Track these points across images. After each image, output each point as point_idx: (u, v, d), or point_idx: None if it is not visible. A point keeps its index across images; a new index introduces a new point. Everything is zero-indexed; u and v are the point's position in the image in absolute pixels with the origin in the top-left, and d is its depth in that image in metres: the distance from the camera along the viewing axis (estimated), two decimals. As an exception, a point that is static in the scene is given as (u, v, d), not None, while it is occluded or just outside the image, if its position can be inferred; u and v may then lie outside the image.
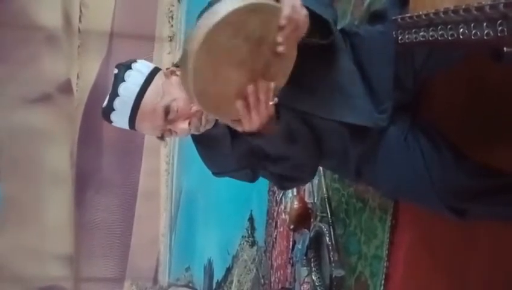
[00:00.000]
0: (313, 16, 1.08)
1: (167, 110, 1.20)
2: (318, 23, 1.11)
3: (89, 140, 3.00)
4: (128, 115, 1.22)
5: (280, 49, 1.02)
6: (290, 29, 1.02)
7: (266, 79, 1.07)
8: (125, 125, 1.25)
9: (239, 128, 1.12)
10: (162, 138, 1.26)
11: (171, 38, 3.03)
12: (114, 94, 1.22)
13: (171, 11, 3.05)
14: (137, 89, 1.21)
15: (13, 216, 2.95)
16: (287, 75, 1.11)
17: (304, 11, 1.05)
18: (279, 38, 1.01)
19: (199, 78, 1.02)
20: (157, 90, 1.21)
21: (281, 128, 1.17)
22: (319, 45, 1.19)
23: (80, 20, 2.87)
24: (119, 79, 1.23)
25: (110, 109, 1.23)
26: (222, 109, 1.09)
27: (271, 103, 1.08)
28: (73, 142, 2.97)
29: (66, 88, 2.90)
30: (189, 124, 1.21)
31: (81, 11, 2.87)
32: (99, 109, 1.29)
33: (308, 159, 1.34)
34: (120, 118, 1.24)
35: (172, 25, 3.06)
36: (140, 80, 1.22)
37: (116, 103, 1.22)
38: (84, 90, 2.90)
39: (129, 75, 1.23)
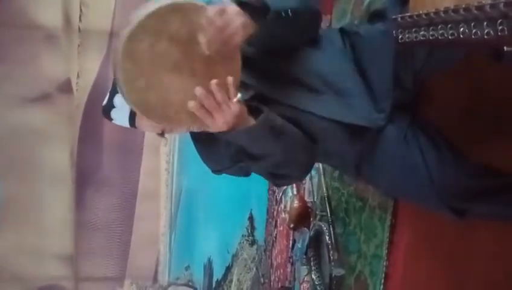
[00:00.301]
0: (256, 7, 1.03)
1: None
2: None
3: (89, 139, 3.00)
4: (128, 111, 1.22)
5: (207, 50, 0.99)
6: (213, 30, 0.98)
7: (212, 75, 1.03)
8: (125, 122, 1.25)
9: (209, 130, 1.09)
10: (162, 134, 1.26)
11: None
12: (114, 91, 1.23)
13: (170, 10, 3.05)
14: None
15: (12, 215, 2.95)
16: (236, 75, 1.07)
17: (240, 18, 1.00)
18: (199, 38, 0.99)
19: (132, 89, 1.00)
20: None
21: (260, 124, 1.13)
22: (312, 43, 1.18)
23: (80, 20, 2.87)
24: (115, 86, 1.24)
25: (110, 106, 1.24)
26: (172, 116, 1.06)
27: (234, 100, 1.05)
28: (73, 142, 2.97)
29: (65, 87, 2.90)
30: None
31: (81, 10, 2.87)
32: (99, 108, 1.30)
33: (295, 157, 1.28)
34: (120, 115, 1.24)
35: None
36: None
37: (116, 100, 1.22)
38: (84, 89, 2.90)
39: None
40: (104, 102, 1.25)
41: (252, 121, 1.12)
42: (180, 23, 0.99)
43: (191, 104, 1.02)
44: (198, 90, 1.02)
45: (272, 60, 1.20)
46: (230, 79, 1.03)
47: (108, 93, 1.25)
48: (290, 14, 1.09)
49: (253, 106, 1.14)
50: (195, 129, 1.16)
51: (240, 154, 1.28)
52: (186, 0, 1.00)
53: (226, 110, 1.05)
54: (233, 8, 1.01)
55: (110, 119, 1.26)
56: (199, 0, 1.02)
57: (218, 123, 1.06)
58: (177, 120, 1.08)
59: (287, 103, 1.23)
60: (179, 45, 1.00)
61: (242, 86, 1.13)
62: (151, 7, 0.98)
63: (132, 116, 1.22)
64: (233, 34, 1.01)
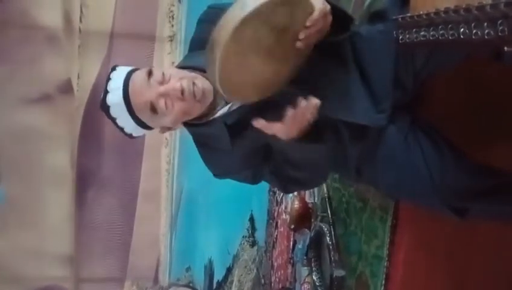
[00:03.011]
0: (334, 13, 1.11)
1: (149, 72, 1.22)
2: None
3: (89, 140, 3.00)
4: (122, 87, 1.23)
5: (299, 44, 1.06)
6: (314, 30, 1.06)
7: (284, 68, 1.12)
8: (120, 101, 1.24)
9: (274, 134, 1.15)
10: (153, 109, 1.25)
11: (171, 39, 3.03)
12: (107, 79, 1.27)
13: (171, 11, 3.05)
14: (128, 69, 1.26)
15: (13, 216, 2.95)
16: (297, 70, 1.16)
17: (330, 17, 1.09)
18: (301, 35, 1.06)
19: (225, 67, 1.05)
20: (142, 72, 1.24)
21: (322, 144, 1.23)
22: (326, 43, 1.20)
23: (80, 20, 2.87)
24: (110, 71, 1.28)
25: (105, 93, 1.25)
26: (242, 94, 1.14)
27: (312, 118, 1.13)
28: (73, 142, 2.97)
29: (66, 88, 2.90)
30: (181, 84, 1.21)
31: (81, 11, 2.87)
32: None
33: (326, 165, 1.35)
34: (115, 96, 1.24)
35: (172, 25, 3.05)
36: (130, 67, 1.28)
37: (110, 84, 1.25)
38: (85, 90, 2.90)
39: (119, 67, 1.28)
40: (101, 96, 1.28)
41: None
42: (284, 16, 1.04)
43: (290, 112, 1.10)
44: (303, 103, 1.10)
45: None
46: (318, 102, 1.11)
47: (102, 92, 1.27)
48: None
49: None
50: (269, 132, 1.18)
51: (255, 158, 1.31)
52: None
53: (304, 125, 1.14)
54: (328, 8, 1.08)
55: (107, 107, 1.26)
56: None
57: (292, 133, 1.15)
58: (243, 98, 1.16)
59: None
60: (274, 34, 1.06)
61: None
62: None
63: (126, 94, 1.23)
64: (324, 33, 1.09)
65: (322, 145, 1.23)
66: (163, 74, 1.21)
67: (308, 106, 1.10)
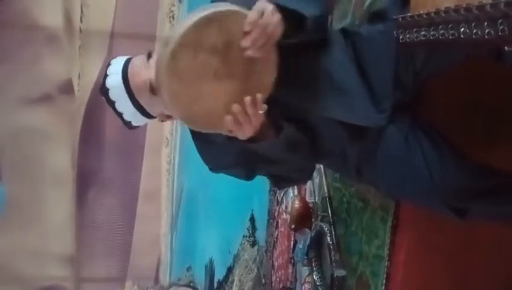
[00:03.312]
0: (293, 13, 1.07)
1: (149, 54, 1.21)
2: (301, 20, 1.11)
3: (90, 140, 3.00)
4: (121, 69, 1.22)
5: (248, 53, 1.02)
6: (257, 33, 1.02)
7: (252, 81, 1.08)
8: (119, 83, 1.23)
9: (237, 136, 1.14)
10: (152, 91, 1.24)
11: (172, 38, 3.03)
12: (106, 65, 1.26)
13: (172, 11, 3.05)
14: (123, 60, 1.25)
15: (14, 216, 2.95)
16: (273, 75, 1.11)
17: (277, 15, 1.04)
18: (244, 43, 1.02)
19: (178, 105, 1.04)
20: (142, 56, 1.23)
21: (281, 139, 1.20)
22: (313, 42, 1.19)
23: (81, 20, 2.87)
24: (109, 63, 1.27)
25: (104, 77, 1.25)
26: (216, 123, 1.10)
27: (260, 112, 1.10)
28: (74, 142, 2.97)
29: (67, 88, 2.90)
30: None
31: (82, 11, 2.87)
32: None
33: (305, 163, 1.34)
34: (114, 79, 1.24)
35: (173, 25, 3.06)
36: (123, 59, 1.26)
37: (110, 68, 1.25)
38: (86, 90, 2.90)
39: (111, 66, 1.27)
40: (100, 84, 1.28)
41: (270, 127, 1.18)
42: (217, 33, 1.02)
43: (228, 118, 1.08)
44: (237, 108, 1.07)
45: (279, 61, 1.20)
46: (259, 96, 1.08)
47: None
48: (314, 22, 1.13)
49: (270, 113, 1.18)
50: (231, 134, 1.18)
51: (247, 155, 1.29)
52: (220, 8, 1.03)
53: (254, 122, 1.11)
54: (269, 7, 1.04)
55: (107, 90, 1.26)
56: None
57: (247, 133, 1.12)
58: (220, 125, 1.12)
59: (292, 103, 1.24)
60: (217, 54, 1.03)
61: None
62: (187, 22, 1.00)
63: (125, 75, 1.22)
64: (274, 30, 1.04)
65: (280, 138, 1.20)
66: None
67: (247, 104, 1.08)
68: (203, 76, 1.04)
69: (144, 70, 1.21)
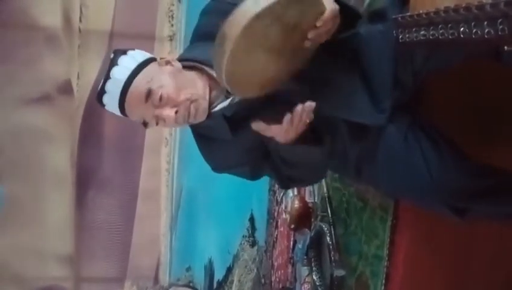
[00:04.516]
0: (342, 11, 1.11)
1: (148, 94, 1.21)
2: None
3: (89, 140, 3.00)
4: (118, 97, 1.22)
5: (307, 43, 1.08)
6: (324, 30, 1.07)
7: (290, 65, 1.13)
8: (115, 108, 1.25)
9: (271, 136, 1.17)
10: (145, 124, 1.27)
11: (171, 38, 3.03)
12: (106, 77, 1.24)
13: (171, 11, 3.05)
14: (128, 73, 1.23)
15: (14, 216, 2.95)
16: (299, 68, 1.17)
17: (339, 18, 1.09)
18: (311, 35, 1.07)
19: (234, 61, 1.05)
20: (147, 75, 1.22)
21: (321, 150, 1.24)
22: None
23: (80, 20, 2.87)
24: (113, 63, 1.25)
25: (102, 91, 1.25)
26: (245, 88, 1.14)
27: (308, 121, 1.14)
28: (73, 143, 2.96)
29: (66, 88, 2.90)
30: (176, 112, 1.21)
31: (81, 11, 2.87)
32: (99, 109, 1.30)
33: (323, 165, 1.37)
34: (111, 101, 1.25)
35: (172, 25, 3.05)
36: (133, 65, 1.24)
37: (108, 85, 1.24)
38: (85, 90, 2.89)
39: (123, 59, 1.25)
40: (99, 87, 1.27)
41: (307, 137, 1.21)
42: (295, 14, 1.05)
43: (288, 117, 1.12)
44: (300, 107, 1.11)
45: None
46: (313, 104, 1.13)
47: (102, 79, 1.26)
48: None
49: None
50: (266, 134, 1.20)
51: (255, 154, 1.32)
52: None
53: (300, 127, 1.15)
54: (337, 7, 1.09)
55: (103, 105, 1.28)
56: None
57: (290, 136, 1.16)
58: (244, 91, 1.16)
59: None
60: (285, 30, 1.07)
61: None
62: None
63: (121, 102, 1.23)
64: (331, 33, 1.10)
65: (319, 148, 1.23)
66: (160, 98, 1.21)
67: (304, 109, 1.11)
68: (264, 44, 1.07)
69: (141, 108, 1.22)
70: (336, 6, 1.08)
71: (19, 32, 2.83)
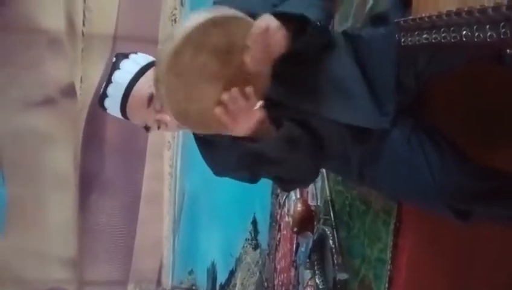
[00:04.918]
0: (296, 18, 1.07)
1: (151, 98, 1.21)
2: (304, 25, 1.10)
3: (92, 143, 3.00)
4: (120, 101, 1.23)
5: (251, 69, 1.03)
6: (258, 50, 1.02)
7: (244, 84, 1.07)
8: (117, 112, 1.27)
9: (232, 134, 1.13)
10: (147, 129, 1.27)
11: (174, 42, 3.04)
12: (108, 81, 1.25)
13: (174, 15, 3.06)
14: (130, 77, 1.23)
15: (17, 219, 2.96)
16: (266, 82, 1.12)
17: (281, 32, 1.03)
18: (246, 58, 1.02)
19: (173, 100, 1.05)
20: (149, 80, 1.21)
21: (281, 133, 1.19)
22: (318, 45, 1.19)
23: (83, 24, 2.88)
24: (115, 67, 1.26)
25: (104, 95, 1.26)
26: (207, 124, 1.11)
27: (256, 107, 1.09)
28: (76, 146, 2.97)
29: (69, 91, 2.91)
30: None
31: (84, 14, 2.88)
32: (102, 112, 1.31)
33: (307, 163, 1.34)
34: (112, 105, 1.26)
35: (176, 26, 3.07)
36: (135, 69, 1.25)
37: (110, 90, 1.24)
38: (88, 93, 2.90)
39: (125, 63, 1.25)
40: (101, 91, 1.28)
41: (271, 128, 1.17)
42: (220, 36, 1.03)
43: (218, 110, 1.07)
44: (225, 96, 1.06)
45: (282, 64, 1.20)
46: (248, 89, 1.07)
47: (104, 83, 1.26)
48: (319, 25, 1.13)
49: (273, 115, 1.17)
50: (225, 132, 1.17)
51: (251, 158, 1.29)
52: (226, 13, 1.04)
53: (249, 115, 1.09)
54: (274, 23, 1.03)
55: (104, 108, 1.29)
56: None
57: (242, 127, 1.10)
58: (214, 127, 1.13)
59: (296, 106, 1.24)
60: (218, 56, 1.04)
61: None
62: (193, 21, 1.01)
63: (123, 106, 1.24)
64: (276, 48, 1.04)
65: (279, 136, 1.19)
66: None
67: (234, 95, 1.07)
68: (201, 76, 1.05)
69: (143, 113, 1.23)
70: (270, 21, 1.02)
71: (22, 36, 2.84)
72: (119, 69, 1.25)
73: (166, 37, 1.04)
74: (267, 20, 1.03)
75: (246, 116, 1.08)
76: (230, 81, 1.07)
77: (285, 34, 1.04)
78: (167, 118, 1.22)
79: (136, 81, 1.23)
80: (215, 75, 1.06)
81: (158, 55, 1.04)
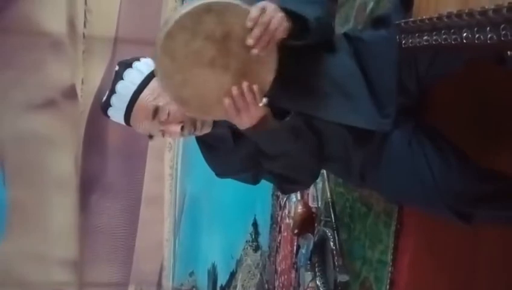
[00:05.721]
0: (296, 16, 1.07)
1: (156, 111, 1.22)
2: (304, 23, 1.10)
3: (93, 145, 3.01)
4: (124, 112, 1.24)
5: (254, 51, 1.03)
6: (260, 30, 1.02)
7: (248, 78, 1.09)
8: (121, 121, 1.27)
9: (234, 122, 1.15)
10: (151, 137, 1.28)
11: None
12: (112, 91, 1.25)
13: (175, 17, 3.07)
14: (134, 88, 1.23)
15: (18, 221, 2.96)
16: (271, 74, 1.12)
17: (279, 14, 1.04)
18: (249, 41, 1.02)
19: (170, 84, 1.07)
20: (153, 91, 1.22)
21: (282, 126, 1.20)
22: (315, 46, 1.19)
23: (84, 26, 2.89)
24: (118, 77, 1.26)
25: (107, 105, 1.26)
26: (208, 110, 1.13)
27: (260, 105, 1.11)
28: (78, 148, 2.98)
29: (70, 93, 2.92)
30: (182, 128, 1.23)
31: (85, 16, 2.89)
32: (103, 115, 1.31)
33: (308, 160, 1.34)
34: (116, 115, 1.26)
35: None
36: (139, 79, 1.24)
37: (113, 100, 1.25)
38: (89, 95, 2.91)
39: (128, 73, 1.25)
40: (103, 100, 1.28)
41: (273, 122, 1.18)
42: (215, 22, 1.04)
43: (226, 101, 1.09)
44: (235, 90, 1.08)
45: (283, 65, 1.20)
46: (255, 87, 1.09)
47: (107, 91, 1.26)
48: (317, 23, 1.12)
49: (276, 108, 1.19)
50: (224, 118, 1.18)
51: (255, 159, 1.30)
52: (222, 0, 1.04)
53: (253, 112, 1.11)
54: (271, 6, 1.05)
55: (108, 116, 1.29)
56: None
57: (245, 121, 1.13)
58: (211, 113, 1.15)
59: (297, 109, 1.24)
60: (214, 43, 1.05)
61: None
62: (188, 6, 1.03)
63: (127, 117, 1.24)
64: (277, 28, 1.04)
65: (282, 126, 1.20)
66: (168, 114, 1.22)
67: (244, 90, 1.08)
68: (197, 61, 1.06)
69: (147, 123, 1.24)
70: (266, 3, 1.03)
71: (23, 38, 2.85)
72: (122, 79, 1.25)
73: (164, 21, 1.06)
74: (264, 3, 1.05)
75: (250, 111, 1.11)
76: (235, 71, 1.08)
77: (283, 16, 1.05)
78: (172, 128, 1.23)
79: (140, 93, 1.23)
80: (214, 61, 1.07)
81: (155, 38, 1.06)
